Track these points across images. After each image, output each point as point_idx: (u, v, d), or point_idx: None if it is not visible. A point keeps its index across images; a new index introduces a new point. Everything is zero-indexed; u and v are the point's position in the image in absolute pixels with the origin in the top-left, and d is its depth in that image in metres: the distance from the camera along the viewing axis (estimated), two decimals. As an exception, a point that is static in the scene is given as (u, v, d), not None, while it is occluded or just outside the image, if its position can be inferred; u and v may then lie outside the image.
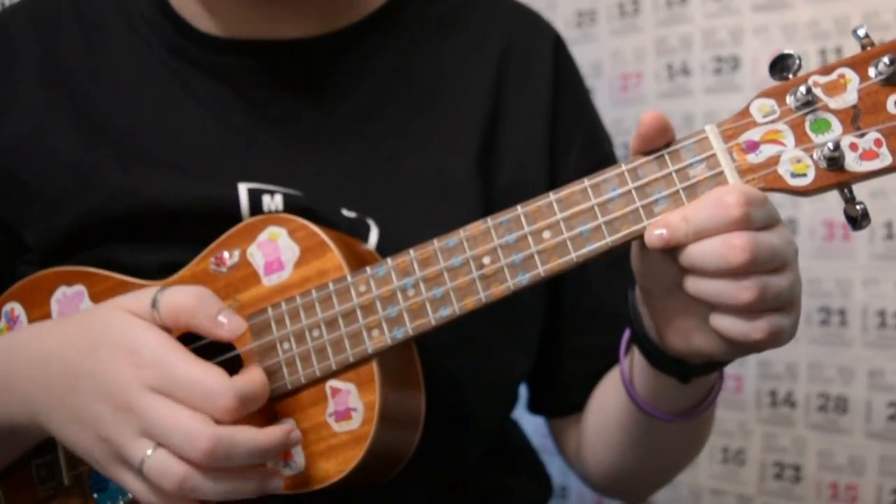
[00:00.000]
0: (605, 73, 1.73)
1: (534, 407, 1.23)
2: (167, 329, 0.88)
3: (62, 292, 1.01)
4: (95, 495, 0.97)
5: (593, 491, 1.24)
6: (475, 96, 1.11)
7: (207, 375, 0.84)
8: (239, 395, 0.84)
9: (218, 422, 0.83)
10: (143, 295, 0.89)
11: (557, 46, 1.16)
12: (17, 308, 1.03)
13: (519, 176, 1.09)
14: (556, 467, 1.43)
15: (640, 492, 1.21)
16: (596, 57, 1.74)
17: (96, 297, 1.00)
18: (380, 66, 1.10)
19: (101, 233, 1.02)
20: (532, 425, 1.34)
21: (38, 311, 1.02)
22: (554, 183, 1.04)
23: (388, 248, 0.95)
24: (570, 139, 1.13)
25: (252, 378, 0.87)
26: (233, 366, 0.91)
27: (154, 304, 0.87)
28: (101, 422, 0.85)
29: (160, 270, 0.99)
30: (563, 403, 1.19)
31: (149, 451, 0.83)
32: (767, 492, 1.55)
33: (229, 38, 1.07)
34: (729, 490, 1.59)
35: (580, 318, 1.14)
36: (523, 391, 1.22)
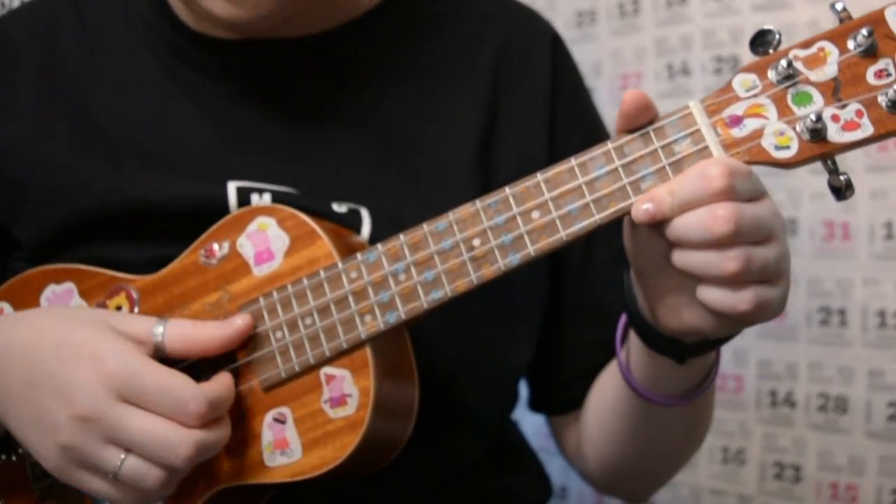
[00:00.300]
0: (605, 73, 1.73)
1: (534, 405, 1.23)
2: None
3: (51, 290, 1.01)
4: (92, 491, 0.97)
5: (594, 489, 1.23)
6: (473, 92, 1.11)
7: (176, 383, 0.85)
8: (209, 401, 0.86)
9: (188, 427, 0.85)
10: (142, 322, 0.91)
11: (555, 43, 1.17)
12: (6, 308, 1.03)
13: (518, 170, 1.07)
14: (556, 467, 1.43)
15: (641, 489, 1.20)
16: (596, 57, 1.74)
17: (85, 294, 1.00)
18: (376, 63, 1.10)
19: (91, 230, 1.03)
20: (532, 426, 1.34)
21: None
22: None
23: (382, 238, 0.95)
24: (569, 134, 1.14)
25: (221, 383, 0.89)
26: (191, 372, 0.91)
27: (158, 333, 0.89)
28: (60, 429, 0.86)
29: (148, 266, 0.99)
30: (562, 400, 1.19)
31: (121, 456, 0.84)
32: (767, 492, 1.54)
33: (225, 38, 1.07)
34: (729, 490, 1.58)
35: (581, 313, 1.14)
36: (523, 392, 1.22)
